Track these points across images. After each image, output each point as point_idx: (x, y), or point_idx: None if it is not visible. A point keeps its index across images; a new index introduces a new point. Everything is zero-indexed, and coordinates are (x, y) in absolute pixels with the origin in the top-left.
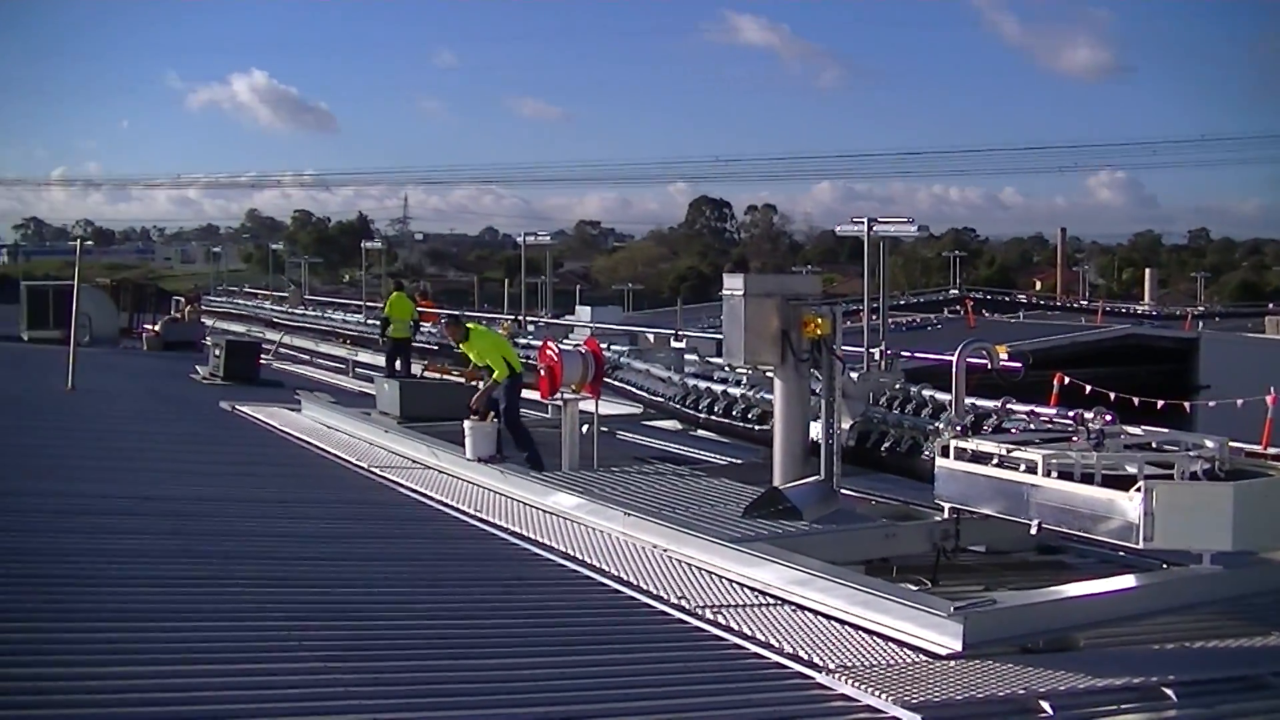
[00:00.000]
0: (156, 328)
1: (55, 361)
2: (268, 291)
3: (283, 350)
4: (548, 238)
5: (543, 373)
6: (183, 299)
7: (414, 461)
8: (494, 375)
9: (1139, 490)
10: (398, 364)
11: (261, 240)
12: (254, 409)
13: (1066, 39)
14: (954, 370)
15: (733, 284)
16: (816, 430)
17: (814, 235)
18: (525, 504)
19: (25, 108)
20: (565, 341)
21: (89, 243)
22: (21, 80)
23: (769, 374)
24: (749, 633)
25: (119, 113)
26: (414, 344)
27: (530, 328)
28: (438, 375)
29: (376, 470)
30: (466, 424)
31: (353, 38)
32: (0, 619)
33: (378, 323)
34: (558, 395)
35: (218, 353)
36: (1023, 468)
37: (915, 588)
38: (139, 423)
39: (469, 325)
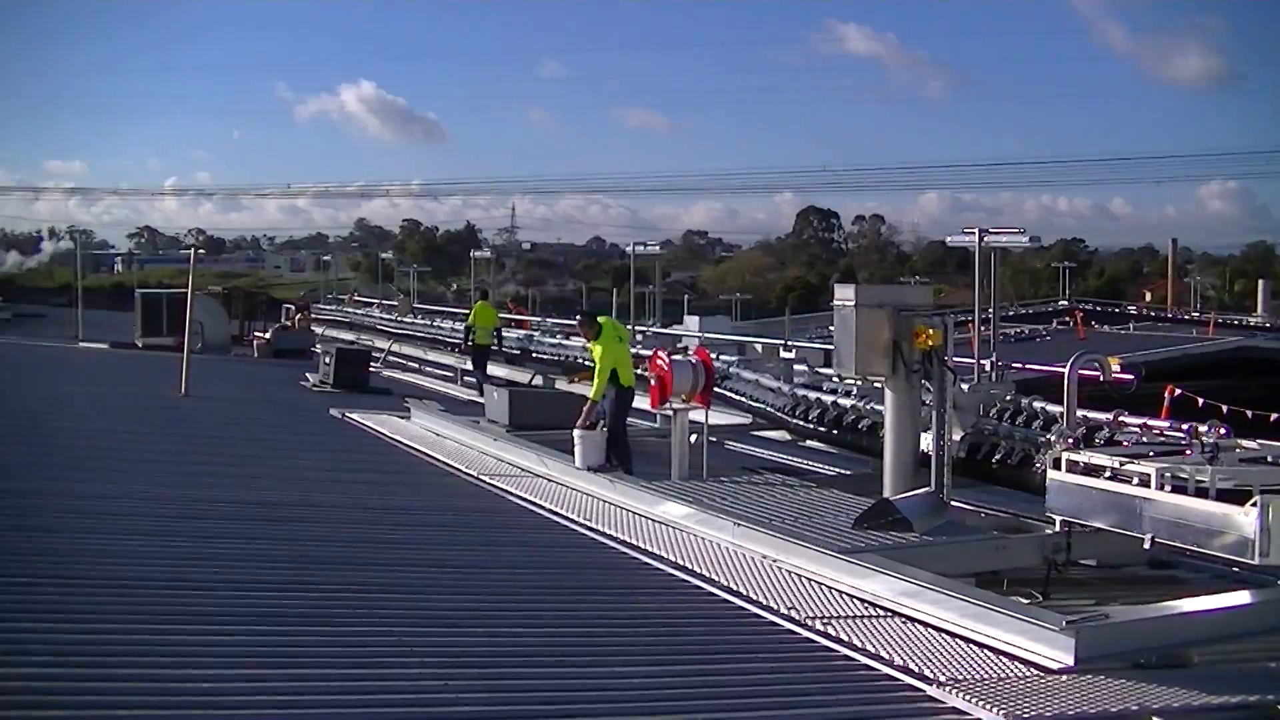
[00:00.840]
0: (267, 335)
1: (168, 368)
2: (355, 297)
3: (392, 358)
4: (656, 247)
5: (653, 382)
6: (293, 307)
7: (523, 470)
8: (592, 391)
9: (1255, 505)
10: (483, 370)
11: (370, 249)
12: (363, 416)
13: (1176, 47)
14: (1066, 382)
15: (844, 294)
16: (927, 442)
17: (921, 245)
18: (635, 513)
19: (138, 119)
20: (676, 350)
21: (201, 251)
22: (134, 92)
23: (879, 385)
24: (859, 644)
25: (230, 123)
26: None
27: (639, 337)
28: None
29: (486, 478)
30: (576, 433)
31: (460, 48)
32: (125, 621)
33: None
34: (668, 405)
35: (328, 360)
36: (1136, 481)
37: (1026, 601)
38: (250, 429)
39: (603, 321)
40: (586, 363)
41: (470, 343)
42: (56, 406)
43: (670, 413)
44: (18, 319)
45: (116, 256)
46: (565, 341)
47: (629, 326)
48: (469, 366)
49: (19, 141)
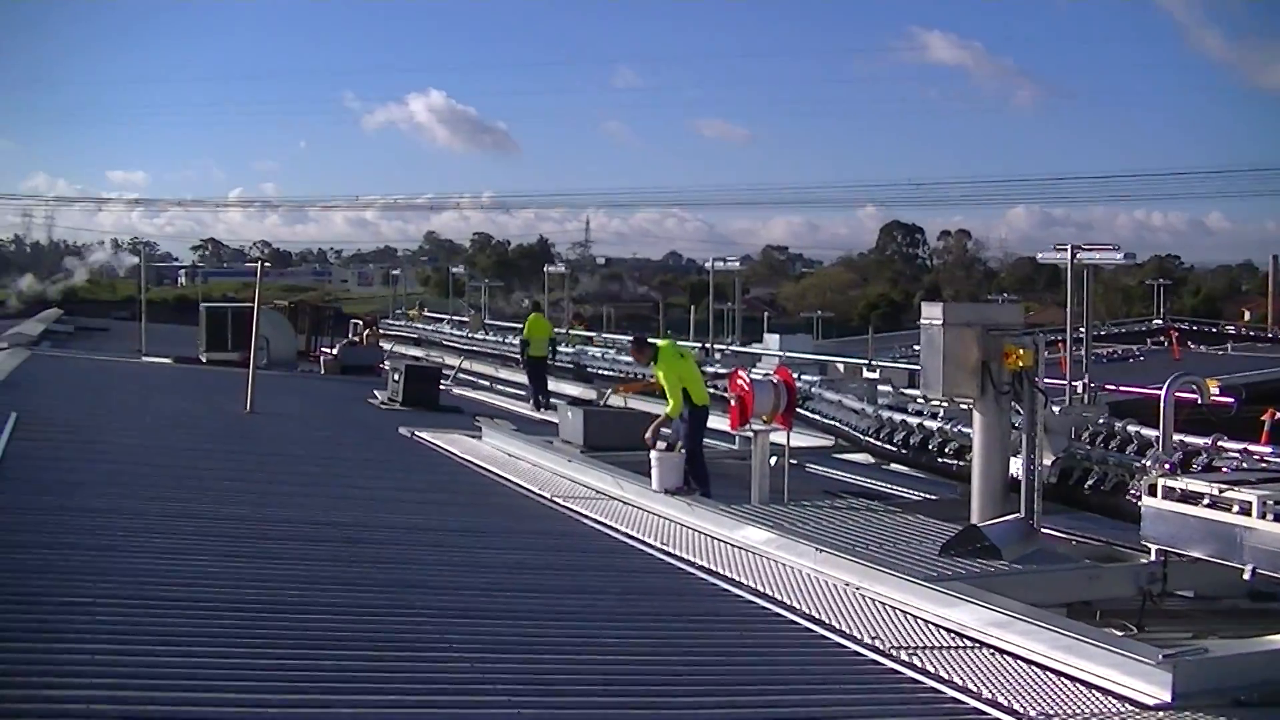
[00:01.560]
0: (334, 351)
1: (234, 384)
2: (425, 312)
3: (462, 375)
4: (735, 263)
5: (733, 402)
6: (361, 322)
7: (598, 492)
8: (667, 409)
9: None
10: (538, 382)
11: (440, 263)
12: (433, 435)
13: (1276, 53)
14: (1162, 405)
15: (931, 313)
16: (1016, 466)
17: (1009, 262)
18: (714, 538)
19: (202, 129)
20: (755, 370)
21: (267, 264)
22: (199, 103)
23: (967, 407)
24: (945, 676)
25: (296, 133)
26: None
27: (717, 355)
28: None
29: (559, 500)
30: (653, 454)
31: (532, 57)
32: (191, 644)
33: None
34: (748, 426)
35: (397, 377)
36: (1235, 509)
37: (1120, 633)
38: (317, 447)
39: (658, 344)
40: (643, 375)
41: (525, 356)
42: (121, 422)
43: (750, 434)
44: (80, 332)
45: (180, 269)
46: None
47: (707, 345)
48: (568, 389)
49: (81, 151)
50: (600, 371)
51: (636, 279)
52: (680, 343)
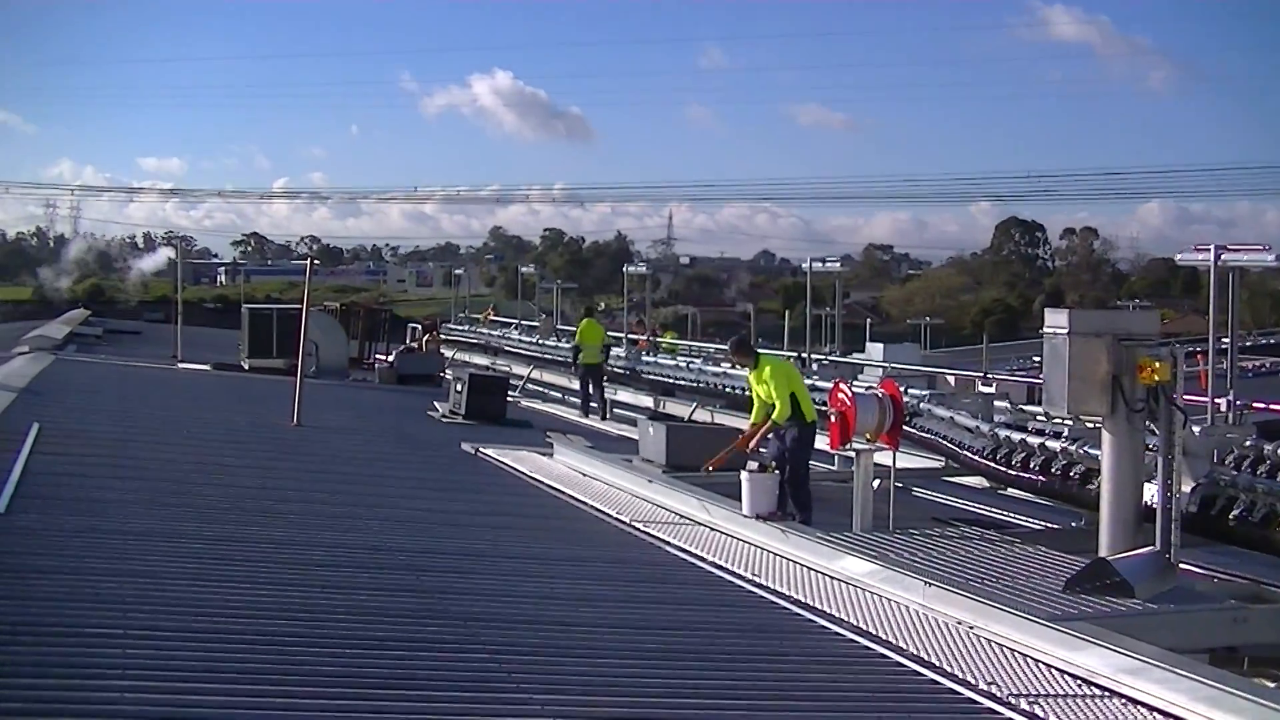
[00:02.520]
0: (390, 358)
1: (279, 394)
2: (492, 316)
3: (532, 386)
4: (835, 263)
5: (833, 419)
6: (420, 326)
7: (682, 517)
8: (774, 414)
9: None
10: (590, 389)
11: (507, 262)
12: (499, 452)
13: None
14: None
15: (1055, 321)
16: (1151, 493)
17: (1141, 263)
18: (810, 569)
19: (245, 113)
20: (857, 383)
21: (316, 262)
22: (240, 83)
23: (1096, 426)
24: None
25: (348, 118)
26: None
27: (815, 367)
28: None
29: (639, 525)
30: (744, 475)
31: (608, 34)
32: (233, 683)
33: (570, 350)
34: (849, 445)
35: (459, 388)
36: None
37: (1271, 684)
38: (372, 464)
39: (761, 352)
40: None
41: (577, 362)
42: (155, 435)
43: (852, 454)
44: (110, 336)
45: (220, 267)
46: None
47: (803, 354)
48: (619, 396)
49: (110, 136)
50: (683, 383)
51: (724, 280)
52: (774, 354)
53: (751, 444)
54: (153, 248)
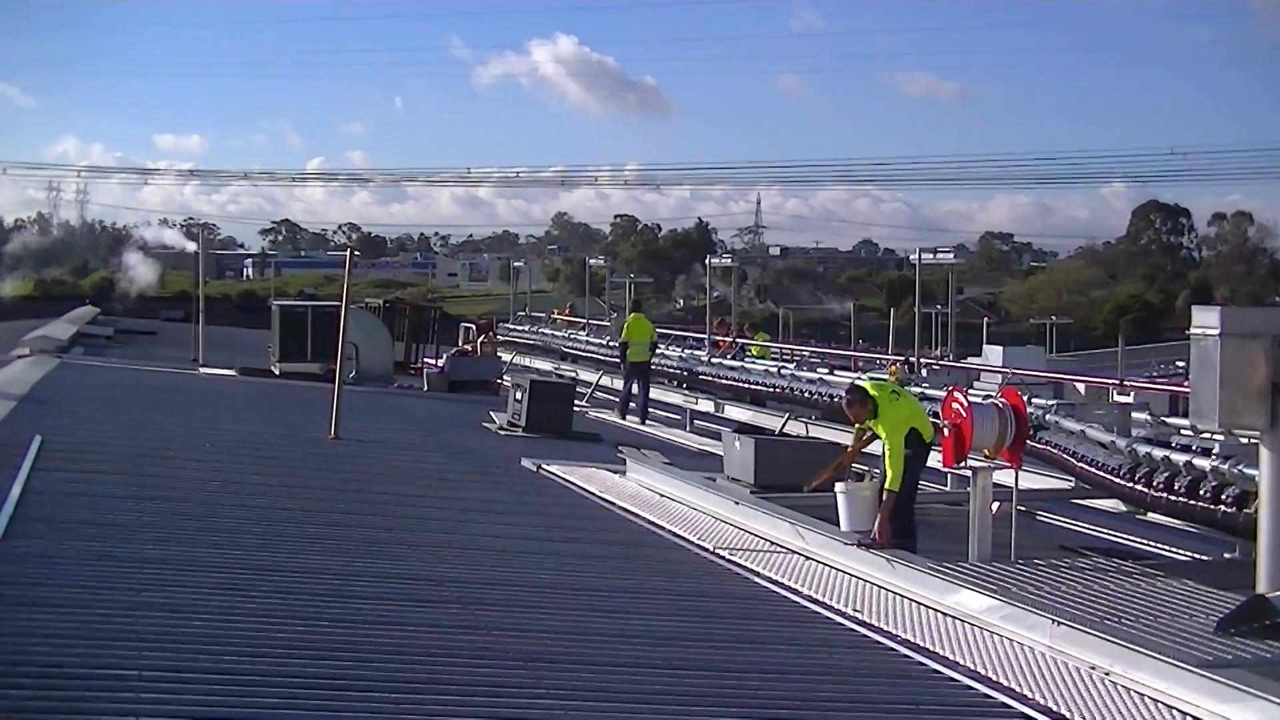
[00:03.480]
0: (441, 362)
1: (315, 403)
2: (564, 315)
3: (601, 394)
4: (949, 254)
5: (946, 433)
6: (474, 327)
7: (773, 543)
8: (887, 456)
9: None
10: (634, 389)
11: (572, 253)
12: (565, 469)
13: None
14: None
15: (1204, 320)
16: None
17: None
18: (920, 604)
19: (274, 84)
20: (973, 391)
21: (356, 253)
22: (269, 52)
23: (1252, 441)
24: None
25: (391, 90)
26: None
27: (924, 373)
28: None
29: (724, 553)
30: (839, 487)
31: None
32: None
33: (617, 346)
34: (965, 463)
35: (519, 396)
36: None
37: None
38: (419, 483)
39: (878, 392)
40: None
41: (624, 360)
42: (175, 450)
43: (968, 473)
44: (122, 336)
45: (247, 259)
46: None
47: (910, 359)
48: (700, 406)
49: (121, 110)
50: (774, 389)
51: (821, 274)
52: (881, 379)
53: (816, 483)
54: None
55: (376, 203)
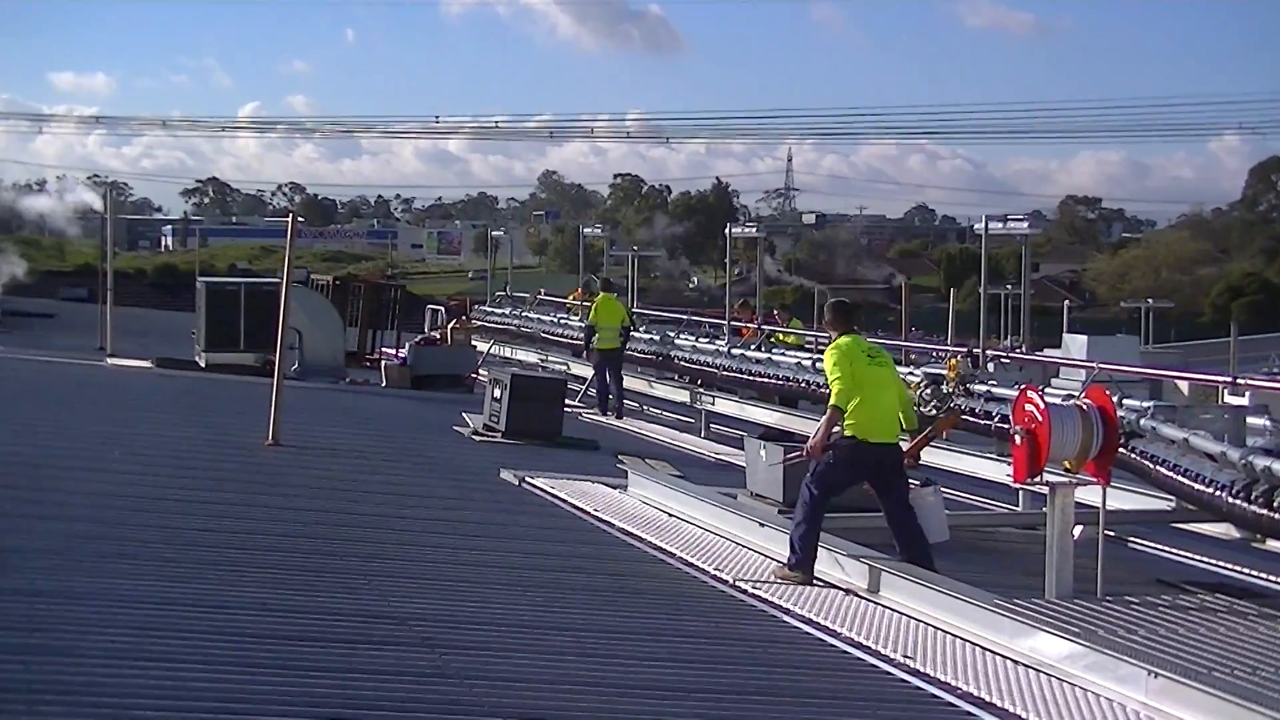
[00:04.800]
0: (403, 353)
1: (249, 401)
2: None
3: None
4: (1022, 223)
5: (1017, 440)
6: (443, 309)
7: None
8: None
9: None
10: (607, 380)
11: (563, 220)
12: (553, 483)
13: None
14: None
15: None
16: None
17: None
18: (985, 649)
19: (199, 15)
20: (1051, 390)
21: (300, 219)
22: None
23: None
24: None
25: (340, 21)
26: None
27: (991, 367)
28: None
29: (745, 586)
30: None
31: None
32: None
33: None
34: (1040, 477)
35: (498, 394)
36: None
37: None
38: (378, 501)
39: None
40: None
41: (589, 347)
42: (76, 460)
43: (1044, 490)
44: (11, 320)
45: (166, 224)
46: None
47: (974, 349)
48: (717, 406)
49: (10, 43)
50: (808, 386)
51: (865, 247)
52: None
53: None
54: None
55: (324, 158)
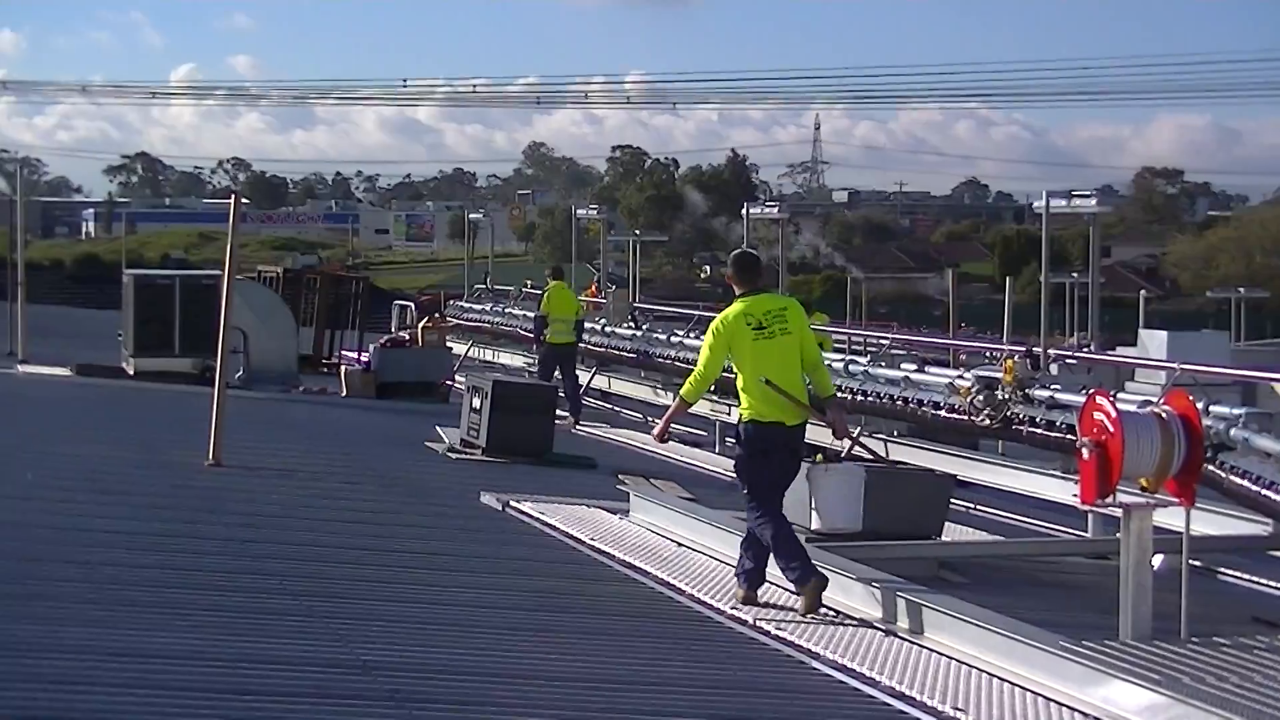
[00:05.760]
0: (366, 356)
1: (185, 414)
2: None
3: (595, 400)
4: (1090, 199)
5: (1085, 454)
6: (413, 305)
7: (837, 613)
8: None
9: None
10: (555, 377)
11: (554, 201)
12: (542, 508)
13: None
14: None
15: None
16: None
17: None
18: (1051, 699)
19: None
20: (1124, 396)
21: (244, 200)
22: None
23: None
24: None
25: None
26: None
27: (1054, 369)
28: None
29: (769, 627)
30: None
31: None
32: None
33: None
34: (1113, 497)
35: (477, 404)
36: None
37: None
38: (337, 530)
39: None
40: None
41: (540, 340)
42: None
43: (1117, 513)
44: None
45: (87, 208)
46: None
47: (1034, 348)
48: (733, 418)
49: None
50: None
51: (906, 229)
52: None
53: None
54: None
55: (272, 129)
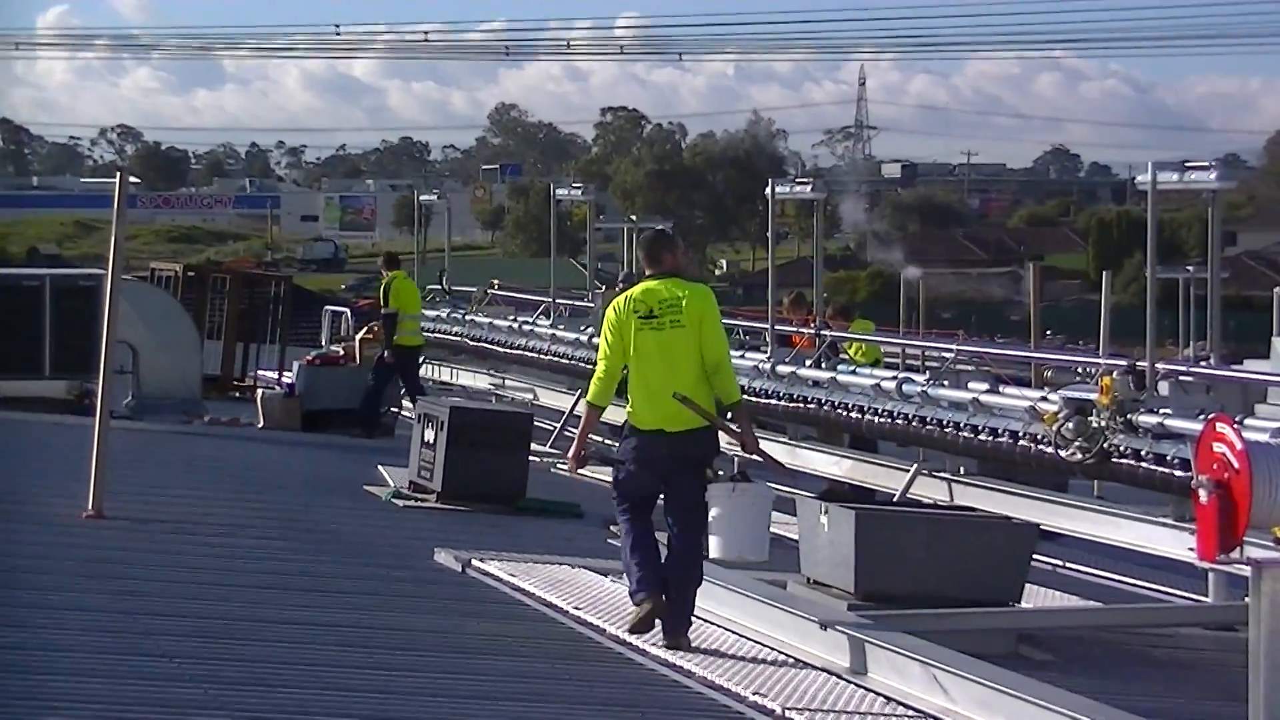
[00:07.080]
0: (289, 377)
1: (57, 452)
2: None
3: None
4: (1209, 174)
5: (1203, 496)
6: (348, 311)
7: (888, 699)
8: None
9: None
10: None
11: (528, 177)
12: (513, 568)
13: None
14: None
15: None
16: None
17: None
18: None
19: None
20: (1253, 423)
21: (134, 180)
22: None
23: None
24: None
25: None
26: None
27: (1163, 388)
28: None
29: (799, 718)
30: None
31: None
32: None
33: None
34: (1238, 551)
35: (430, 437)
36: None
37: None
38: (254, 600)
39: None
40: None
41: (390, 346)
42: None
43: (1245, 570)
44: None
45: None
46: None
47: (1137, 363)
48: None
49: None
50: (892, 420)
51: (976, 211)
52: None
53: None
54: None
55: (169, 89)
